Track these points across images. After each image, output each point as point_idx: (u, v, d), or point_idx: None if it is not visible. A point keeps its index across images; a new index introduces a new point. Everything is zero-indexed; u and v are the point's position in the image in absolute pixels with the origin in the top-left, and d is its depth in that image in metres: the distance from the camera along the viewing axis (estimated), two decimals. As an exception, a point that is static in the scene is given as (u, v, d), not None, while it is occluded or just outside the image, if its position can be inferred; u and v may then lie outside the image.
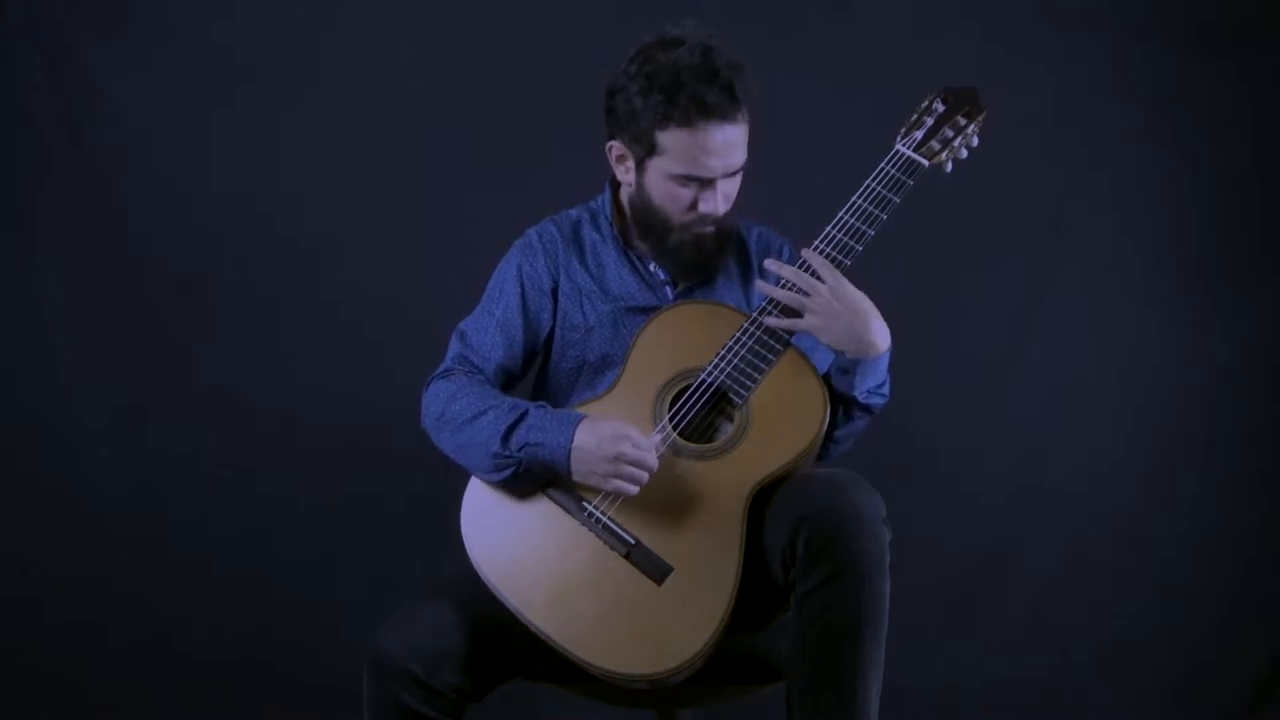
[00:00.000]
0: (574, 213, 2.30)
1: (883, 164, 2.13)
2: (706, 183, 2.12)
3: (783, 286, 2.07)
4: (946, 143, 2.15)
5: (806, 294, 2.04)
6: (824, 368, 2.16)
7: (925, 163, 2.14)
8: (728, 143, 2.10)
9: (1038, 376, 3.21)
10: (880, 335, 2.06)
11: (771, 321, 2.06)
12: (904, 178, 2.12)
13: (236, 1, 3.14)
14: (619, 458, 1.97)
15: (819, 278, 2.05)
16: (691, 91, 2.06)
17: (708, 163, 2.10)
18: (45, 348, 3.11)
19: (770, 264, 2.09)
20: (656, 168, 2.13)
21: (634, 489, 1.98)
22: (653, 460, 1.98)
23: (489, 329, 2.20)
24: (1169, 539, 3.22)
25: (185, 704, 3.07)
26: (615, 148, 2.18)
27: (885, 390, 2.16)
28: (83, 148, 3.11)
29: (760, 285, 2.09)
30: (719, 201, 2.15)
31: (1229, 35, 3.18)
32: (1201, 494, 3.23)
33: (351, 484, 3.13)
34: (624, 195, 2.25)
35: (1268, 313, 3.20)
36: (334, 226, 3.13)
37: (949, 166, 2.18)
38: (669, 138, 2.09)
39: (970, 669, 3.16)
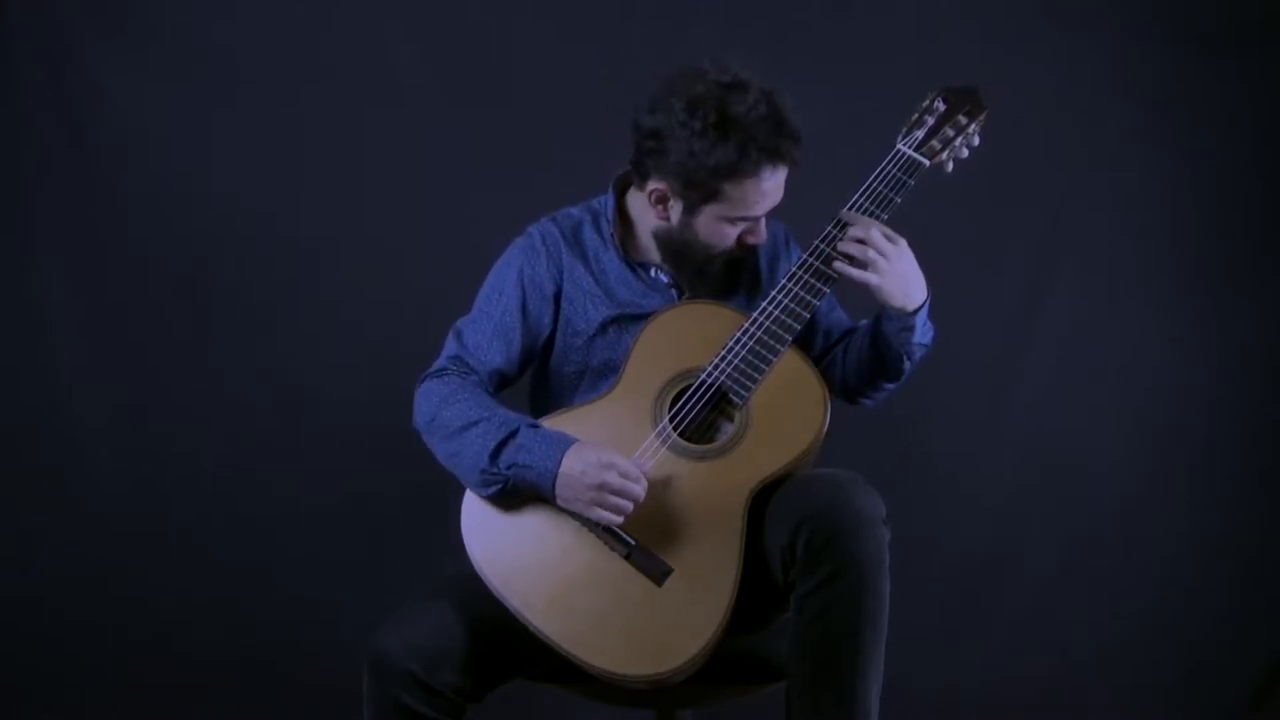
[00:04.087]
0: (575, 212, 2.29)
1: (884, 163, 2.14)
2: (755, 218, 2.14)
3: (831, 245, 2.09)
4: (947, 142, 2.16)
5: (881, 251, 2.06)
6: (840, 329, 2.26)
7: (926, 162, 2.14)
8: (781, 182, 2.12)
9: (1038, 376, 3.21)
10: (923, 287, 2.12)
11: (841, 267, 2.07)
12: (905, 177, 2.13)
13: (236, 1, 3.14)
14: (603, 486, 1.96)
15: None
16: (764, 144, 2.05)
17: (763, 203, 2.12)
18: (45, 348, 3.11)
19: (848, 215, 2.10)
20: (711, 212, 2.12)
21: (617, 519, 1.97)
22: (638, 491, 1.97)
23: (486, 331, 2.18)
24: (1169, 539, 3.21)
25: (185, 704, 3.07)
26: (658, 192, 2.14)
27: (929, 338, 2.21)
28: (83, 148, 3.10)
29: (844, 215, 2.10)
30: (764, 233, 2.17)
31: (1229, 35, 3.18)
32: (1201, 494, 3.23)
33: (351, 484, 3.12)
34: (644, 220, 2.22)
35: (1268, 313, 3.20)
36: (334, 226, 3.13)
37: (950, 166, 2.18)
38: (735, 188, 2.08)
39: (970, 669, 3.16)
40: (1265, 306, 3.20)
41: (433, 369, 2.17)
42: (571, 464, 1.98)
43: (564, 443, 2.00)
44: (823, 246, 2.10)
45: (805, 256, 2.10)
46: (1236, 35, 3.17)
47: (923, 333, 2.16)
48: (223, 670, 3.10)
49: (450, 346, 2.19)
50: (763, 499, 2.00)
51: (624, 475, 1.96)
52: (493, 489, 2.02)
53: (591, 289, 2.21)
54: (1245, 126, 3.20)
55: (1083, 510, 3.21)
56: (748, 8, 3.11)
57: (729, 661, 2.03)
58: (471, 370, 2.16)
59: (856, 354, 2.24)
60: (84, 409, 3.12)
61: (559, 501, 1.99)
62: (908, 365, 2.20)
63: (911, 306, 2.10)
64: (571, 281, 2.22)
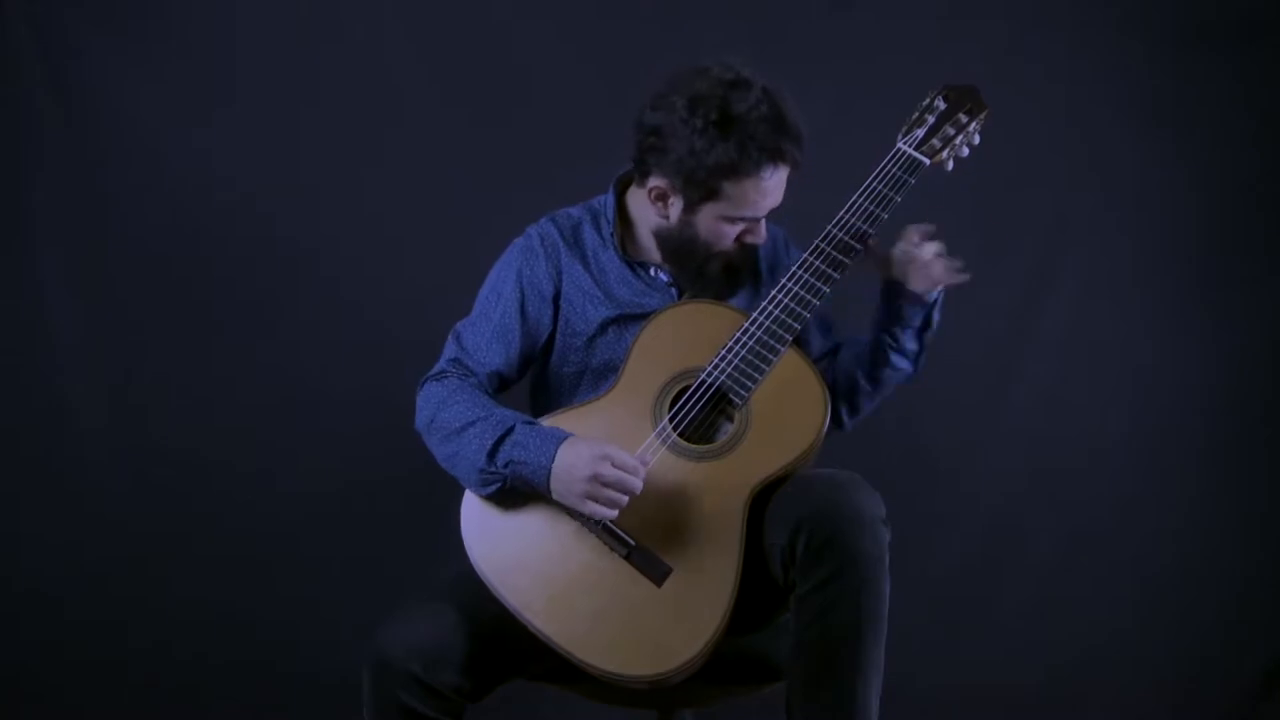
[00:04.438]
0: (574, 212, 2.29)
1: (884, 162, 2.14)
2: (755, 218, 2.14)
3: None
4: (948, 141, 2.16)
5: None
6: (823, 349, 2.26)
7: (927, 161, 2.15)
8: (782, 182, 2.12)
9: (1038, 376, 3.21)
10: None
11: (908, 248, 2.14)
12: (906, 176, 2.13)
13: (237, 1, 3.14)
14: (596, 478, 1.94)
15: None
16: (764, 143, 2.05)
17: (763, 203, 2.12)
18: (45, 348, 3.10)
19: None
20: (711, 211, 2.12)
21: (610, 513, 1.96)
22: (634, 483, 1.96)
23: (485, 334, 2.18)
24: (1169, 539, 3.22)
25: (185, 703, 3.07)
26: (658, 189, 2.14)
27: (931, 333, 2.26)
28: (82, 147, 3.10)
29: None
30: (763, 233, 2.17)
31: (1229, 35, 3.17)
32: (1201, 494, 3.23)
33: (351, 484, 3.12)
34: (644, 218, 2.22)
35: (1267, 313, 3.20)
36: (335, 226, 3.13)
37: (950, 165, 2.18)
38: (735, 187, 2.08)
39: (970, 669, 3.16)
40: (1265, 306, 3.20)
41: (433, 372, 2.17)
42: (565, 456, 1.97)
43: (558, 437, 2.00)
44: (824, 246, 2.10)
45: (806, 256, 2.10)
46: (1236, 35, 3.17)
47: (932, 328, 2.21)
48: (223, 670, 3.09)
49: (450, 349, 2.19)
50: (762, 499, 1.99)
51: (619, 466, 1.95)
52: (492, 487, 2.02)
53: (591, 289, 2.21)
54: (1245, 126, 3.20)
55: (1082, 510, 3.22)
56: (748, 7, 3.11)
57: (729, 661, 2.03)
58: (471, 372, 2.16)
59: (850, 359, 2.25)
60: (83, 409, 3.11)
61: (554, 495, 1.99)
62: (894, 358, 2.21)
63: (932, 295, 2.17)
64: (570, 282, 2.21)
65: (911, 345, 2.21)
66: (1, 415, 3.11)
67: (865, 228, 2.09)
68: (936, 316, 2.21)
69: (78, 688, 3.07)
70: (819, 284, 2.08)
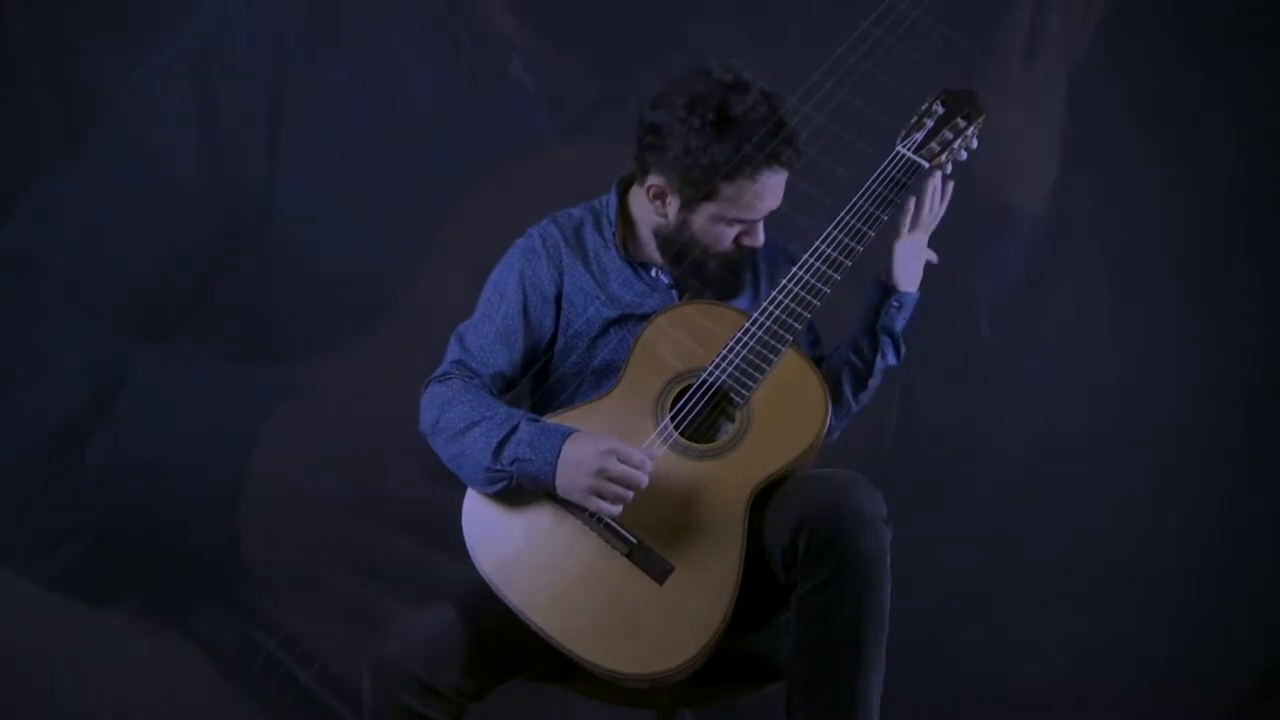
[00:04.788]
0: (576, 213, 2.28)
1: (884, 165, 2.15)
2: (751, 220, 2.14)
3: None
4: (946, 145, 2.17)
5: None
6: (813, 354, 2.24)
7: (925, 164, 2.16)
8: (779, 185, 2.12)
9: (1038, 376, 3.21)
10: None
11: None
12: (905, 179, 2.13)
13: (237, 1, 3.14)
14: (602, 472, 1.94)
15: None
16: (761, 146, 2.06)
17: (761, 206, 2.12)
18: (45, 347, 3.10)
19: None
20: (707, 211, 2.13)
21: (614, 509, 1.96)
22: (640, 477, 1.95)
23: (488, 335, 2.18)
24: (1169, 539, 3.21)
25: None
26: (655, 187, 2.15)
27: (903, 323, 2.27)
28: (82, 148, 3.10)
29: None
30: (760, 236, 2.17)
31: (1229, 35, 3.17)
32: (1201, 494, 3.23)
33: (352, 484, 3.12)
34: (645, 218, 2.22)
35: (1268, 313, 3.20)
36: (335, 226, 3.13)
37: (948, 169, 2.19)
38: (731, 188, 2.09)
39: (970, 669, 3.16)
40: (1265, 306, 3.20)
41: (436, 374, 2.16)
42: (570, 452, 1.97)
43: (563, 433, 2.00)
44: (824, 247, 2.10)
45: (806, 257, 2.10)
46: (1237, 35, 3.17)
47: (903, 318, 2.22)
48: (223, 670, 3.09)
49: (453, 351, 2.18)
50: (763, 498, 1.99)
51: (625, 460, 1.95)
52: (498, 485, 2.02)
53: (592, 290, 2.21)
54: (1245, 126, 3.20)
55: (1083, 510, 3.21)
56: (748, 7, 3.11)
57: (729, 661, 2.03)
58: (475, 374, 2.15)
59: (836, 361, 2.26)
60: (84, 409, 3.11)
61: (559, 492, 1.98)
62: (878, 364, 2.22)
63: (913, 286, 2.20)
64: (572, 283, 2.21)
65: (865, 343, 2.22)
66: (1, 415, 3.11)
67: (865, 229, 2.10)
68: (897, 316, 2.21)
69: (77, 687, 3.07)
70: (819, 285, 2.08)
